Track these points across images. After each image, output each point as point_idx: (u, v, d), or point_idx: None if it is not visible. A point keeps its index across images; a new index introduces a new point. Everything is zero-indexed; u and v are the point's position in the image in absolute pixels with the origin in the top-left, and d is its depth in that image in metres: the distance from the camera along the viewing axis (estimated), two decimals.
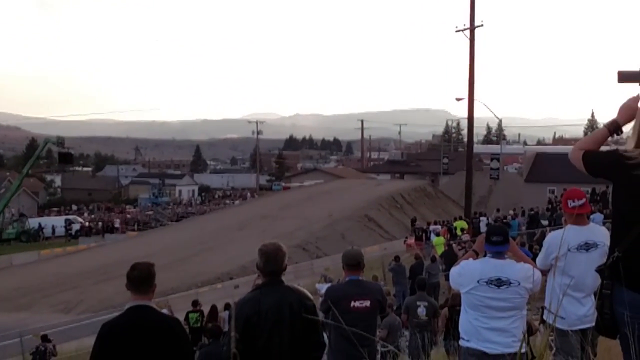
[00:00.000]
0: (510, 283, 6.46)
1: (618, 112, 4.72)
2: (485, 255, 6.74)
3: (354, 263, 8.11)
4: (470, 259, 6.82)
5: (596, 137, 4.78)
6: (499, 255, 6.64)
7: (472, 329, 6.58)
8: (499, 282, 6.46)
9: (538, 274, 6.64)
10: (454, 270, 6.85)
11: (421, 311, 15.39)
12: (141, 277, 5.89)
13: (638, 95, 4.69)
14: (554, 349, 6.67)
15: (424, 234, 40.89)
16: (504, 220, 36.03)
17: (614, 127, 4.70)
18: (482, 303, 6.51)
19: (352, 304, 7.83)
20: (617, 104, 4.71)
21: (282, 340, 5.78)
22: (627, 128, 4.68)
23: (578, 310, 6.83)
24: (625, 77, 4.85)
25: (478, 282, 6.51)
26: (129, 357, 5.67)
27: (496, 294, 6.46)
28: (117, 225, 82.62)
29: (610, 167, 4.64)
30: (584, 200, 7.16)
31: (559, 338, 6.73)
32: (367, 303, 7.90)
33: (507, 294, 6.46)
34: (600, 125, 4.80)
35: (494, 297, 6.46)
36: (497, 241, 6.61)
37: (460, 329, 6.80)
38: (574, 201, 7.13)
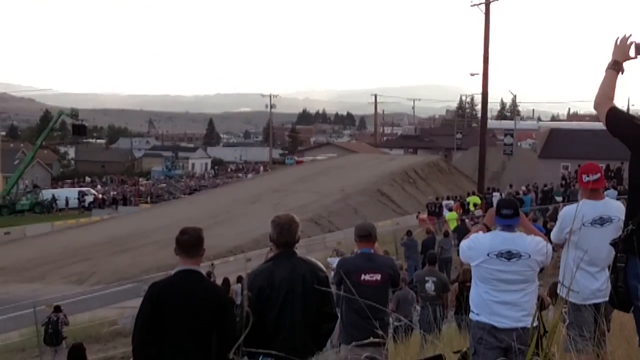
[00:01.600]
0: (521, 255, 6.42)
1: (613, 51, 4.94)
2: (495, 229, 6.72)
3: (364, 234, 8.10)
4: (480, 232, 6.79)
5: (611, 83, 4.93)
6: (509, 228, 6.60)
7: (482, 302, 6.55)
8: (509, 255, 6.42)
9: (549, 246, 6.60)
10: (463, 244, 6.82)
11: (429, 286, 15.41)
12: (191, 241, 5.94)
13: (626, 34, 4.94)
14: (567, 323, 6.64)
15: (438, 209, 40.82)
16: (516, 196, 35.98)
17: (618, 66, 4.92)
18: (492, 276, 6.48)
19: (363, 277, 7.83)
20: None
21: (294, 312, 5.79)
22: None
23: (592, 285, 6.80)
24: None
25: (488, 255, 6.47)
26: (177, 319, 5.73)
27: (506, 266, 6.42)
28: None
29: (629, 138, 4.66)
30: (599, 175, 7.11)
31: (572, 312, 6.70)
32: (378, 277, 7.90)
33: (517, 267, 6.42)
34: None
35: (504, 269, 6.43)
36: (507, 214, 6.57)
37: (470, 303, 6.78)
38: (588, 175, 7.07)
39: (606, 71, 4.89)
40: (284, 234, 5.95)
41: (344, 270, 7.79)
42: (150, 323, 5.74)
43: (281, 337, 5.75)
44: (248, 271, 6.28)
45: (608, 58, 4.92)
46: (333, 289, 7.01)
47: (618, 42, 4.92)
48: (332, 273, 8.48)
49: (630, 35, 4.89)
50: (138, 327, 5.83)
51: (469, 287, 7.02)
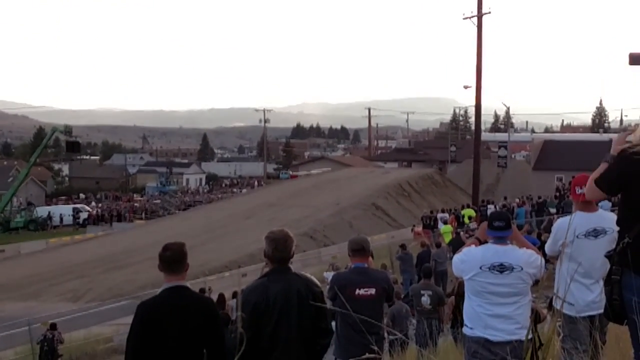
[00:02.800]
0: (513, 268, 6.43)
1: (613, 145, 4.89)
2: (488, 242, 6.73)
3: (357, 248, 8.09)
4: (473, 246, 6.80)
5: (599, 171, 4.90)
6: (501, 241, 6.61)
7: (475, 316, 6.56)
8: (501, 268, 6.43)
9: (541, 259, 6.61)
10: (456, 258, 6.83)
11: (425, 300, 15.37)
12: (174, 257, 5.94)
13: (627, 131, 4.92)
14: (562, 335, 6.64)
15: (433, 222, 40.80)
16: (509, 208, 36.04)
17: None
18: (484, 289, 6.49)
19: (357, 291, 7.81)
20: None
21: (289, 327, 5.78)
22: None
23: (586, 297, 6.81)
24: (636, 59, 4.87)
25: (480, 268, 6.48)
26: (168, 337, 5.72)
27: (499, 279, 6.43)
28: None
29: (622, 171, 4.69)
30: None
31: (567, 325, 6.70)
32: (373, 291, 7.89)
33: (510, 280, 6.43)
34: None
35: (496, 282, 6.44)
36: (499, 226, 6.58)
37: (464, 317, 6.78)
38: (581, 188, 7.07)
39: (602, 163, 4.93)
40: (279, 249, 5.93)
41: (338, 285, 7.77)
42: (143, 343, 5.73)
43: (277, 353, 5.74)
44: (243, 287, 6.26)
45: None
46: (328, 303, 6.99)
47: (616, 139, 4.93)
48: (328, 287, 8.47)
49: (629, 134, 4.88)
50: (130, 348, 5.82)
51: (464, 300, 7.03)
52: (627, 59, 4.81)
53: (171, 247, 5.98)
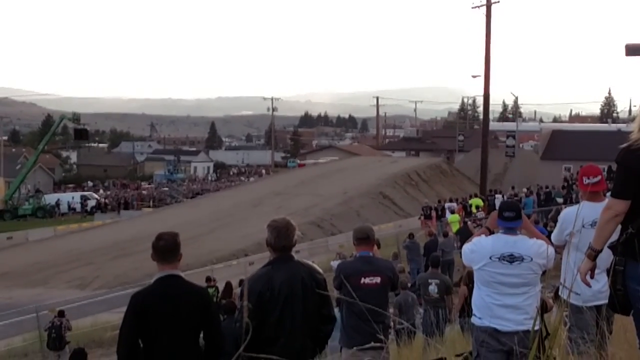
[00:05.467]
0: (523, 259, 6.42)
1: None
2: (498, 232, 6.71)
3: (362, 237, 8.09)
4: (483, 236, 6.79)
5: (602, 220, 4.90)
6: (511, 231, 6.59)
7: (484, 305, 6.55)
8: (511, 258, 6.43)
9: (551, 249, 6.59)
10: (466, 247, 6.82)
11: (432, 289, 15.39)
12: (167, 247, 5.96)
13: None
14: (568, 325, 6.62)
15: (434, 212, 40.71)
16: (516, 198, 35.97)
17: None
18: (494, 279, 6.48)
19: (362, 280, 7.82)
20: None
21: (294, 315, 5.80)
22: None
23: (593, 286, 6.77)
24: (632, 50, 4.85)
25: (490, 258, 6.47)
26: (161, 326, 5.74)
27: (508, 270, 6.43)
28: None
29: (628, 166, 4.66)
30: (599, 177, 7.08)
31: (573, 314, 6.68)
32: (378, 280, 7.89)
33: (519, 270, 6.43)
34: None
35: (506, 273, 6.43)
36: (510, 217, 6.57)
37: (472, 306, 6.78)
38: (589, 178, 7.05)
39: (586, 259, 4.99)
40: (281, 238, 5.95)
41: (344, 273, 7.77)
42: (136, 333, 5.75)
43: (282, 341, 5.76)
44: (247, 276, 6.27)
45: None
46: (334, 292, 7.00)
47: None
48: (333, 276, 8.47)
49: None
50: (123, 338, 5.84)
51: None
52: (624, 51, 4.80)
53: (165, 236, 6.02)
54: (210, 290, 23.12)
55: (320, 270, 6.09)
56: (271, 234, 5.96)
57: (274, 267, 5.91)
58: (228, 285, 23.15)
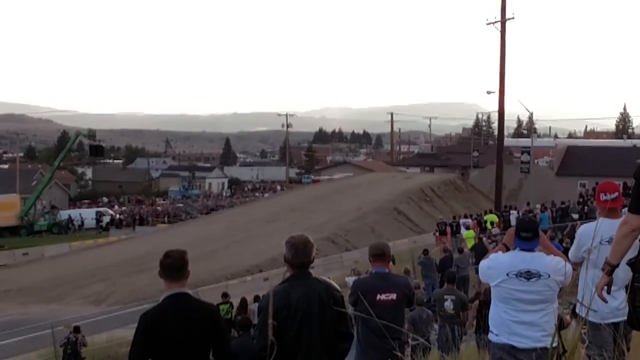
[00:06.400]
0: (540, 275, 6.40)
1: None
2: (515, 249, 6.69)
3: (378, 253, 8.09)
4: (500, 252, 6.77)
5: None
6: (528, 249, 6.58)
7: (501, 322, 6.53)
8: (528, 275, 6.41)
9: (569, 266, 6.57)
10: (483, 264, 6.80)
11: (448, 305, 15.35)
12: (175, 265, 5.92)
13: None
14: (587, 342, 6.59)
15: (448, 228, 40.55)
16: (531, 213, 35.80)
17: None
18: (511, 296, 6.46)
19: (378, 297, 7.80)
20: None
21: (311, 332, 5.78)
22: None
23: (610, 303, 6.75)
24: None
25: (507, 274, 6.46)
26: (172, 345, 5.73)
27: (526, 286, 6.41)
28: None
29: None
30: (616, 194, 7.07)
31: (591, 331, 6.66)
32: (394, 296, 7.88)
33: (537, 287, 6.40)
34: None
35: (523, 289, 6.41)
36: (527, 237, 6.55)
37: (489, 323, 6.75)
38: (606, 194, 7.03)
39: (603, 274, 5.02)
40: (300, 254, 5.94)
41: (360, 290, 7.77)
42: (146, 353, 5.75)
43: (299, 358, 5.74)
44: (265, 292, 6.25)
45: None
46: (350, 309, 6.99)
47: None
48: (349, 292, 8.47)
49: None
50: (133, 359, 5.82)
51: (489, 306, 7.00)
52: None
53: (172, 254, 5.97)
54: (225, 307, 23.13)
55: (338, 287, 6.08)
56: (289, 251, 5.96)
57: (292, 284, 5.91)
58: (243, 302, 23.17)
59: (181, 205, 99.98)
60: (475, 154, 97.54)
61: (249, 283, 34.31)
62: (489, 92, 49.97)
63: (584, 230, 7.26)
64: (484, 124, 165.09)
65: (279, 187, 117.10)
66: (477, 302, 15.28)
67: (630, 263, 4.75)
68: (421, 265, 27.39)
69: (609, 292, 4.91)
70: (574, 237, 7.49)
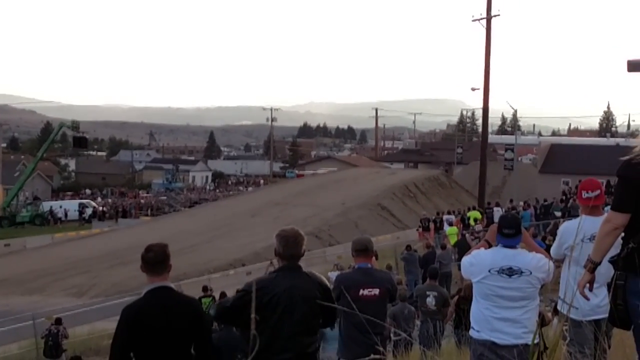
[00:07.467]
0: (522, 272, 6.41)
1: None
2: (497, 245, 6.70)
3: (361, 248, 8.10)
4: (482, 249, 6.78)
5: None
6: (511, 246, 6.59)
7: (483, 318, 6.54)
8: (510, 272, 6.42)
9: (551, 263, 6.59)
10: (465, 260, 6.81)
11: (430, 301, 15.37)
12: (157, 259, 5.92)
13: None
14: (568, 339, 6.62)
15: (432, 224, 40.60)
16: (514, 211, 35.90)
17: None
18: (493, 292, 6.47)
19: (361, 292, 7.82)
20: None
21: (292, 324, 5.77)
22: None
23: (592, 301, 6.77)
24: (634, 66, 4.86)
25: (489, 271, 6.47)
26: (154, 339, 5.74)
27: (507, 283, 6.42)
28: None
29: (631, 179, 4.66)
30: (598, 191, 7.09)
31: (572, 329, 6.68)
32: (377, 291, 7.89)
33: (518, 284, 6.42)
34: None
35: (505, 286, 6.42)
36: (509, 234, 6.55)
37: (471, 319, 6.76)
38: (588, 192, 7.06)
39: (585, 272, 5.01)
40: (290, 247, 5.96)
41: (343, 285, 7.78)
42: (129, 347, 5.75)
43: (276, 347, 5.73)
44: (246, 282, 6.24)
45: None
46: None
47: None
48: (332, 287, 8.47)
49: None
50: (116, 352, 5.83)
51: (469, 302, 7.01)
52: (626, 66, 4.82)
53: (154, 248, 5.97)
54: (207, 300, 23.11)
55: (326, 281, 6.10)
56: (280, 243, 5.98)
57: (279, 275, 5.93)
58: (223, 296, 23.11)
59: (164, 198, 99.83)
60: (459, 150, 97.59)
61: (231, 277, 34.25)
62: (473, 89, 50.13)
63: (566, 228, 7.28)
64: (468, 120, 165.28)
65: (262, 181, 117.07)
66: (457, 297, 15.34)
67: (612, 260, 4.77)
68: (404, 260, 27.44)
69: (591, 290, 4.93)
70: (556, 235, 7.51)
